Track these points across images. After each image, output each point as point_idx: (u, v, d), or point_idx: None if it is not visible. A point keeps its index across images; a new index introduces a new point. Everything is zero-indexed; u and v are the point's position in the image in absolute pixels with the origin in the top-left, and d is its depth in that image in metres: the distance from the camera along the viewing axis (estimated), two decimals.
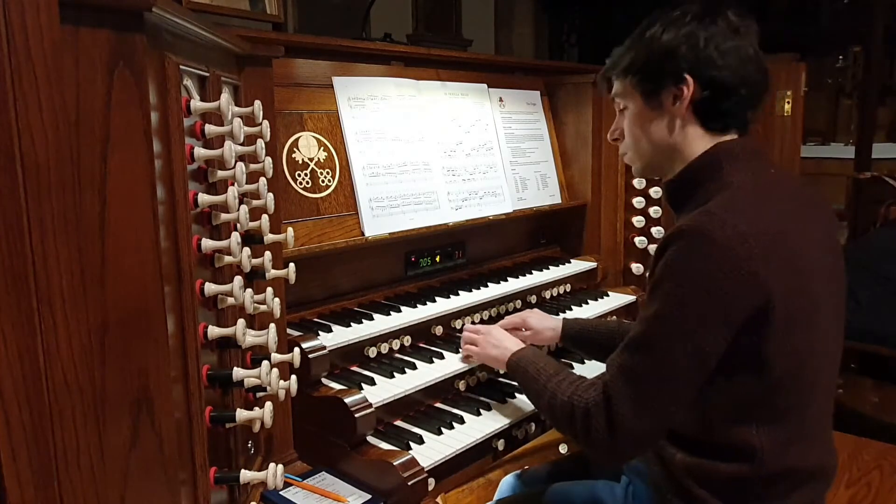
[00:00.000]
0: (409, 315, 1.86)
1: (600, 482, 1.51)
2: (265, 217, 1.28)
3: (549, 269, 2.38)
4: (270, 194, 1.31)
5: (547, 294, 2.34)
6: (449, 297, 2.00)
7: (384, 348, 1.80)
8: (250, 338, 1.16)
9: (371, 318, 1.82)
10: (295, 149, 1.76)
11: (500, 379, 1.89)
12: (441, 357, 1.81)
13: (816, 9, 6.00)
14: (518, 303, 2.20)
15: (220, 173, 1.16)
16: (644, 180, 2.53)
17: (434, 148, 2.09)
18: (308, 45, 1.87)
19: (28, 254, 0.73)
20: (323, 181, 1.81)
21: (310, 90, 1.83)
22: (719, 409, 1.21)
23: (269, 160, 1.30)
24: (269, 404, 1.16)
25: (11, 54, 0.70)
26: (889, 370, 3.24)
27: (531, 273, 2.30)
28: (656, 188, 2.50)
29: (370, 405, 1.53)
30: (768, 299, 1.11)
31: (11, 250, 0.72)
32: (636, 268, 2.57)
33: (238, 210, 1.13)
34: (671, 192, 1.35)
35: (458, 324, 2.00)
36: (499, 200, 2.25)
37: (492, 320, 2.07)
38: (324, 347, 1.60)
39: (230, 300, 1.14)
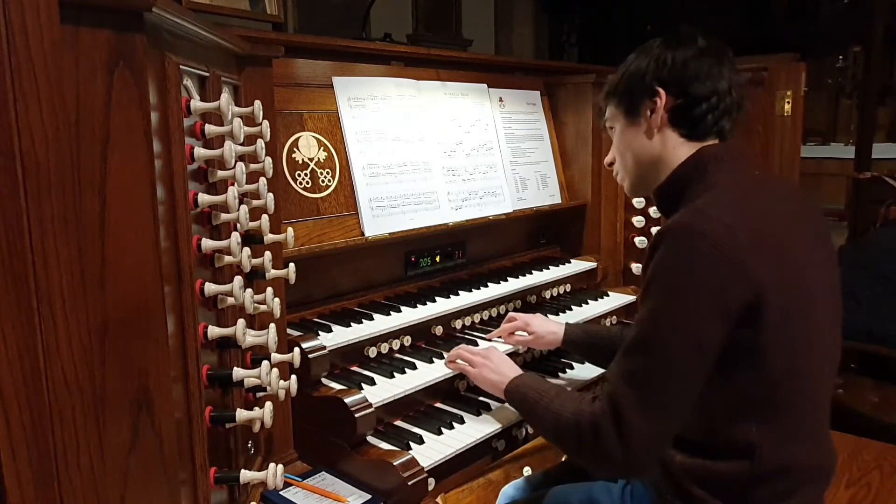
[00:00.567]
0: (409, 315, 1.86)
1: (599, 483, 1.51)
2: (265, 217, 1.28)
3: (549, 269, 2.38)
4: (270, 194, 1.31)
5: (547, 294, 2.34)
6: (449, 297, 2.00)
7: (384, 348, 1.80)
8: (250, 338, 1.16)
9: (371, 318, 1.82)
10: (295, 149, 1.76)
11: None
12: (441, 357, 1.81)
13: (816, 9, 6.01)
14: (518, 303, 2.20)
15: (220, 173, 1.16)
16: None
17: (434, 148, 2.09)
18: (308, 45, 1.87)
19: (28, 254, 0.73)
20: (323, 181, 1.81)
21: (310, 90, 1.83)
22: (719, 408, 1.21)
23: (269, 160, 1.31)
24: (269, 404, 1.16)
25: (11, 54, 0.70)
26: (889, 370, 3.24)
27: (531, 273, 2.30)
28: None
29: (370, 405, 1.54)
30: (760, 289, 1.12)
31: (11, 250, 0.72)
32: (636, 268, 2.57)
33: (238, 210, 1.13)
34: (661, 198, 1.38)
35: (458, 324, 2.00)
36: (499, 200, 2.25)
37: (492, 320, 2.07)
38: (324, 347, 1.60)
39: (230, 300, 1.14)
